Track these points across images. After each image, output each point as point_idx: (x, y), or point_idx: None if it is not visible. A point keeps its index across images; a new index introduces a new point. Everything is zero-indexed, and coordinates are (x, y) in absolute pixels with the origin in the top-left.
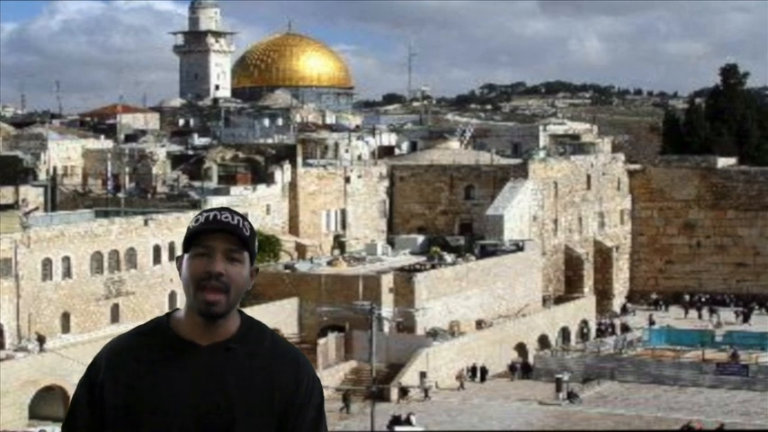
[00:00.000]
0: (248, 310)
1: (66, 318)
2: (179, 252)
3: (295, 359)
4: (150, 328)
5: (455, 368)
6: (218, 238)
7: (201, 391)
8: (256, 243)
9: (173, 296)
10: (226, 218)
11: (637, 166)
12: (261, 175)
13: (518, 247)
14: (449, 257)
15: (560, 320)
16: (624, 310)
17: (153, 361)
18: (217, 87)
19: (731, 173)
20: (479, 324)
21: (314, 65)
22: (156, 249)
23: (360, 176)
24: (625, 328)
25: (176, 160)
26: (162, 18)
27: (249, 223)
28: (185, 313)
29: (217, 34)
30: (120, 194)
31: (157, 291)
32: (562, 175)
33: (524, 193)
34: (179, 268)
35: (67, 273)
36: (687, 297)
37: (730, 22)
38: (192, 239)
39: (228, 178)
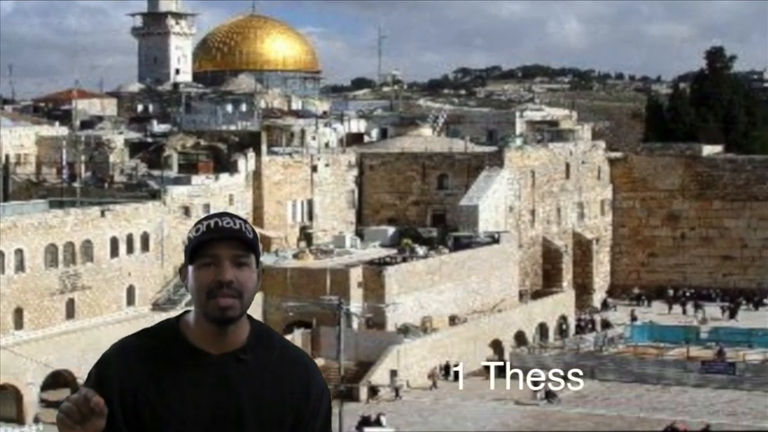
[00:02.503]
0: None
1: (18, 313)
2: (138, 244)
3: (305, 367)
4: (160, 333)
5: (427, 366)
6: (224, 246)
7: (213, 401)
8: (259, 244)
9: (131, 290)
10: (228, 224)
11: (618, 155)
12: (223, 164)
13: (493, 239)
14: (421, 250)
15: (538, 316)
16: (605, 305)
17: (163, 367)
18: (177, 71)
19: (717, 161)
20: (453, 320)
21: (279, 48)
22: (114, 242)
23: (327, 165)
24: (606, 325)
25: (135, 148)
26: None
27: (251, 226)
28: (195, 321)
29: (177, 16)
30: (76, 184)
31: (115, 285)
32: (540, 163)
33: (500, 182)
34: (183, 278)
35: (20, 266)
36: (671, 292)
37: (716, 3)
38: (196, 250)
39: (189, 167)
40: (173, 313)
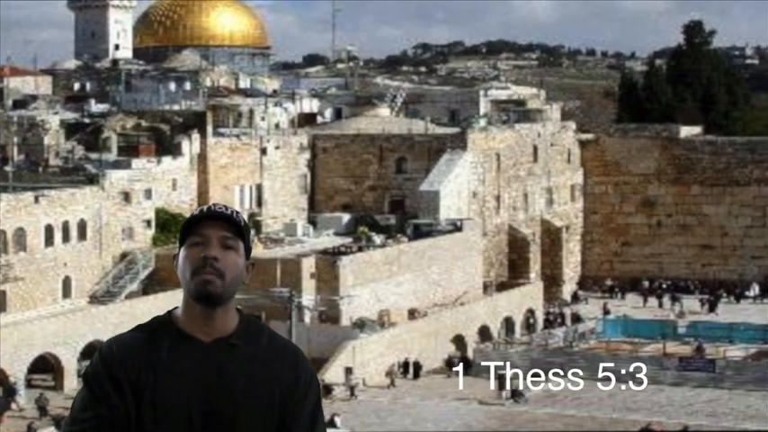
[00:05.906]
0: (154, 299)
1: None
2: (74, 232)
3: (294, 354)
4: (153, 324)
5: (385, 363)
6: (213, 226)
7: (207, 386)
8: (252, 238)
9: (67, 282)
10: (220, 208)
11: (589, 136)
12: (166, 146)
13: (456, 227)
14: (378, 239)
15: (503, 310)
16: (575, 297)
17: (157, 355)
18: (116, 47)
19: (696, 143)
20: (412, 314)
21: (226, 22)
22: (49, 230)
23: (277, 147)
24: (576, 319)
25: (71, 129)
26: None
27: (243, 218)
28: (183, 308)
29: None
30: (8, 168)
31: (50, 276)
32: (505, 145)
33: (463, 166)
34: (175, 263)
35: None
36: (646, 283)
37: None
38: (187, 231)
39: (130, 149)
40: (111, 306)
